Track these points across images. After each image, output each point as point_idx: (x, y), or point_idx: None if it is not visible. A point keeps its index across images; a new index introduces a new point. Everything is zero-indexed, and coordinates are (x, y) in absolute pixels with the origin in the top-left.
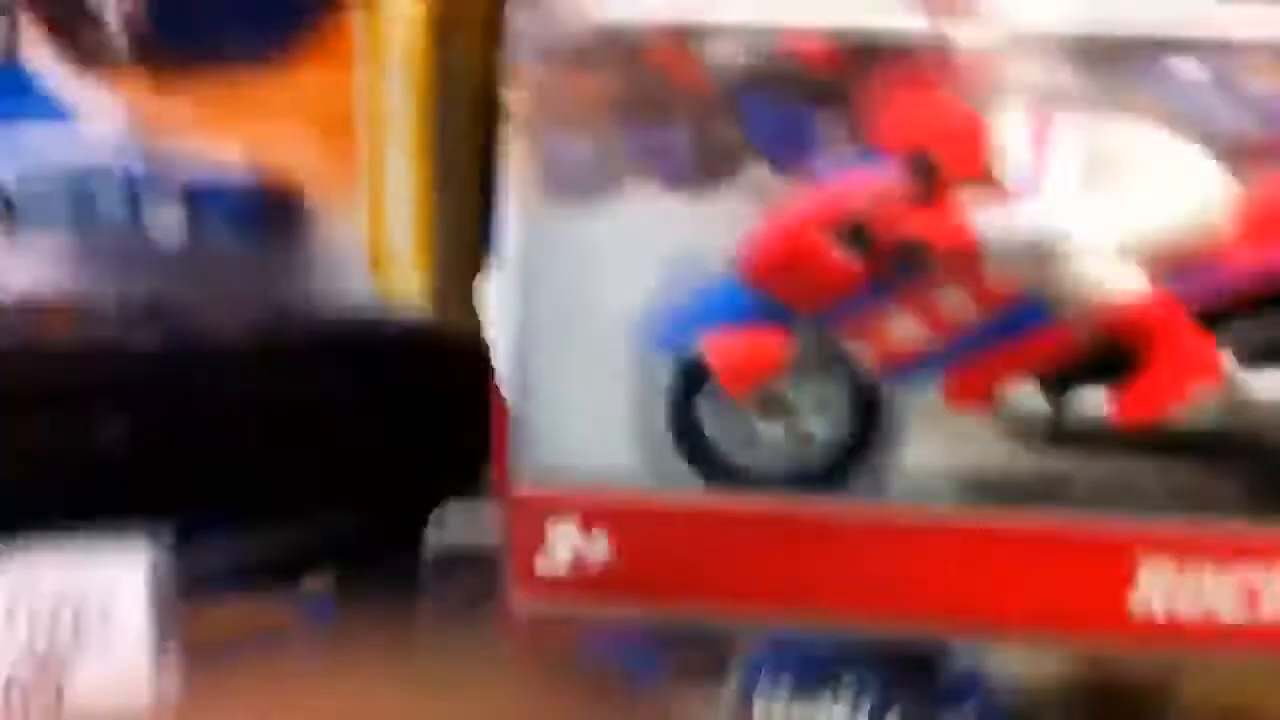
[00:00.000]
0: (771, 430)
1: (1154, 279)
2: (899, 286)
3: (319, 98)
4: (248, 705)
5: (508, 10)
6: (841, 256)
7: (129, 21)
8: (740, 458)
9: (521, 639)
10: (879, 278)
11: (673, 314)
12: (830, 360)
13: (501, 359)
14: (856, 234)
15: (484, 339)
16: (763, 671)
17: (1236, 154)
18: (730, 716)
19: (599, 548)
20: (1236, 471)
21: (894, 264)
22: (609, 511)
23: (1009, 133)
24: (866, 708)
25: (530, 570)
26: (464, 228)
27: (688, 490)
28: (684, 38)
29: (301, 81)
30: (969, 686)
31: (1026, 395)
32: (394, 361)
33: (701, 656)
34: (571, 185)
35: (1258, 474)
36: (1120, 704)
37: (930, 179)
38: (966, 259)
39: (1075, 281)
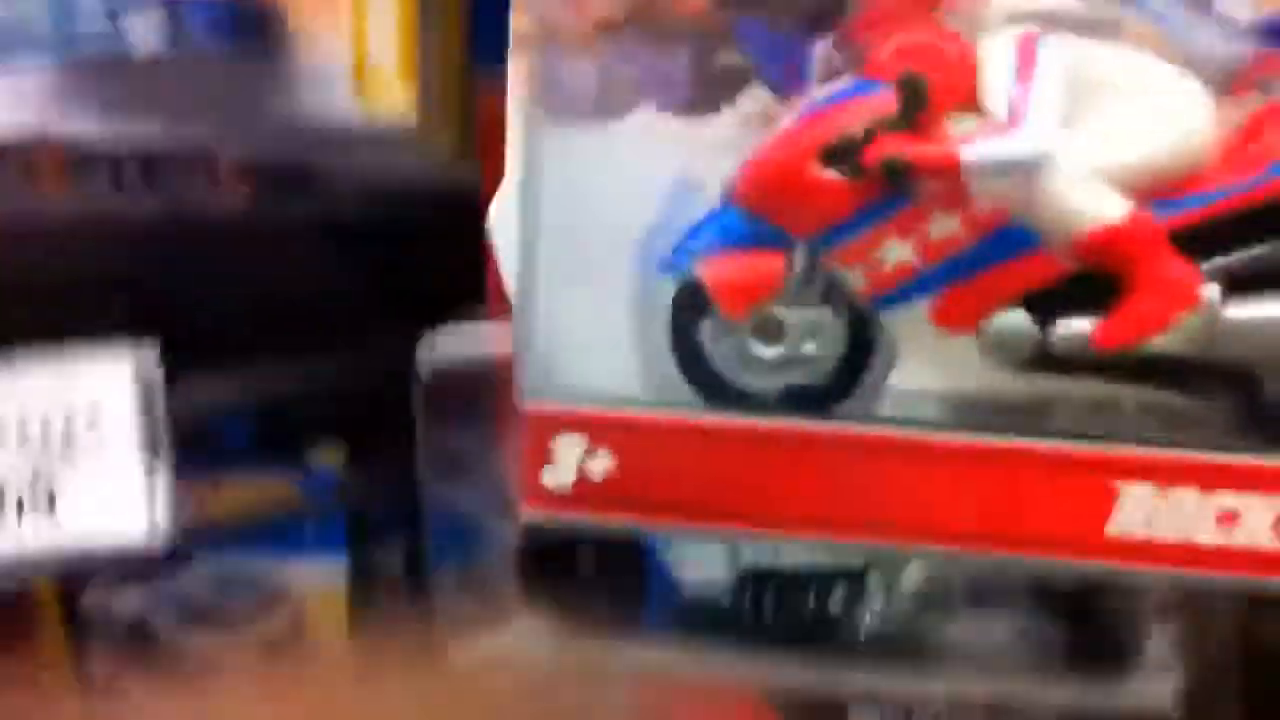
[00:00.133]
0: (768, 352)
1: (1137, 204)
2: (889, 211)
3: None
4: None
5: None
6: (832, 180)
7: None
8: (738, 379)
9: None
10: (869, 202)
11: (672, 237)
12: (824, 284)
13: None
14: (846, 156)
15: (473, 165)
16: None
17: (1220, 80)
18: None
19: (602, 462)
20: (1218, 399)
21: (882, 187)
22: (613, 428)
23: (995, 59)
24: None
25: (536, 482)
26: (449, 38)
27: (689, 408)
28: None
29: None
30: None
31: (1013, 320)
32: (382, 196)
33: None
34: (573, 108)
35: (1238, 402)
36: None
37: (919, 104)
38: (954, 184)
39: (1059, 207)
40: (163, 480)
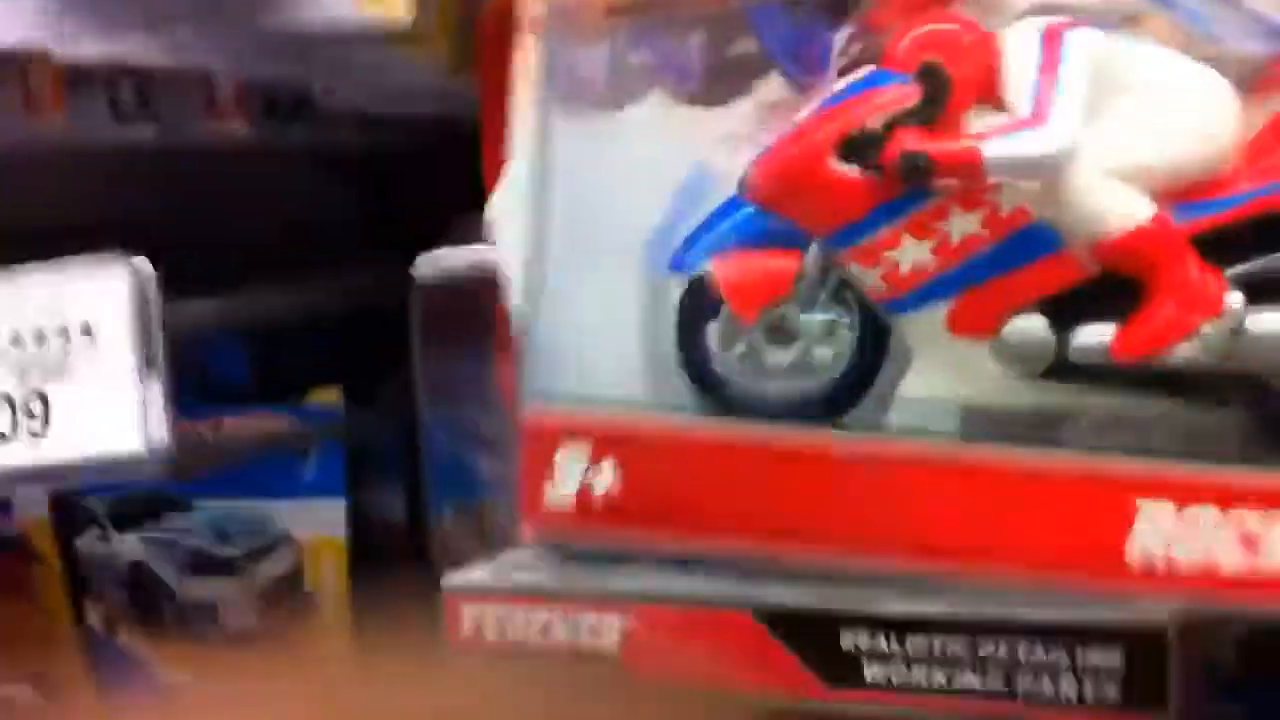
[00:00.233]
0: (777, 357)
1: (1161, 208)
2: (907, 209)
3: None
4: None
5: None
6: (849, 176)
7: None
8: (747, 384)
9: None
10: (886, 200)
11: (682, 233)
12: (838, 287)
13: (510, 276)
14: (864, 151)
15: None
16: None
17: (1247, 78)
18: None
19: (606, 474)
20: (1238, 413)
21: (901, 184)
22: (617, 439)
23: (1019, 50)
24: None
25: (538, 496)
26: None
27: (696, 418)
28: None
29: None
30: None
31: (1031, 326)
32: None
33: None
34: (584, 97)
35: (1260, 416)
36: None
37: (940, 97)
38: (974, 183)
39: (1082, 207)
40: (159, 396)
